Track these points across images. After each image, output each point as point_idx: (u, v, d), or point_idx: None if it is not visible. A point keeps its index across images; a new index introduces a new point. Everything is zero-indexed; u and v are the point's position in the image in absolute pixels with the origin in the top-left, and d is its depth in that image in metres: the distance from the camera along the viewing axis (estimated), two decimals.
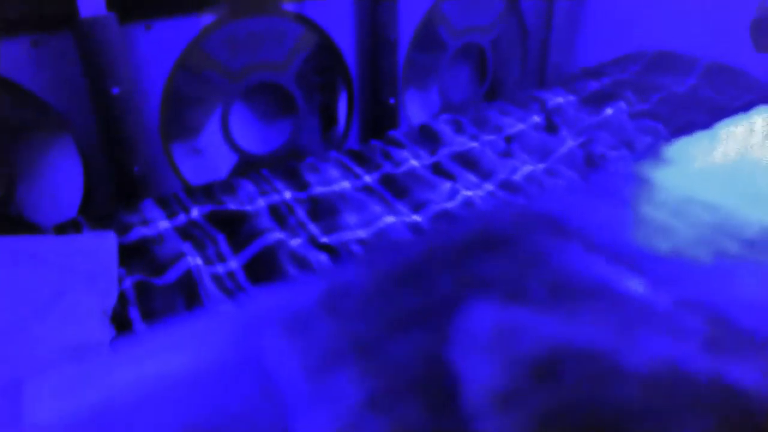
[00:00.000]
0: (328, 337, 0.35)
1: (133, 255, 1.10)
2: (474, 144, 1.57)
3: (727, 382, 0.33)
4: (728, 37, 1.84)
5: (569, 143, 1.49)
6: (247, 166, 1.62)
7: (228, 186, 1.40)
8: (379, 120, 1.76)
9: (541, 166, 1.43)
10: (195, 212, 1.29)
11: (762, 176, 0.72)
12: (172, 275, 1.04)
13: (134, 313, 0.95)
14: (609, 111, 1.61)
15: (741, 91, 1.65)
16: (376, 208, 1.27)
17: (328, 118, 1.76)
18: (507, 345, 0.34)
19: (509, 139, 1.59)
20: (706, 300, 0.40)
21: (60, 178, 1.39)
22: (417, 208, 1.27)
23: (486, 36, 2.01)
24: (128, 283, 1.00)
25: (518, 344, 0.34)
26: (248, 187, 1.39)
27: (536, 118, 1.68)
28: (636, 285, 0.40)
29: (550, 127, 1.62)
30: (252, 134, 1.67)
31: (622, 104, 1.64)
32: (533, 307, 0.37)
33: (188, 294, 0.99)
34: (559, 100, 1.74)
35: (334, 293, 0.39)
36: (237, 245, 1.15)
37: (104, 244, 1.02)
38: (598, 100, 1.71)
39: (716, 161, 0.77)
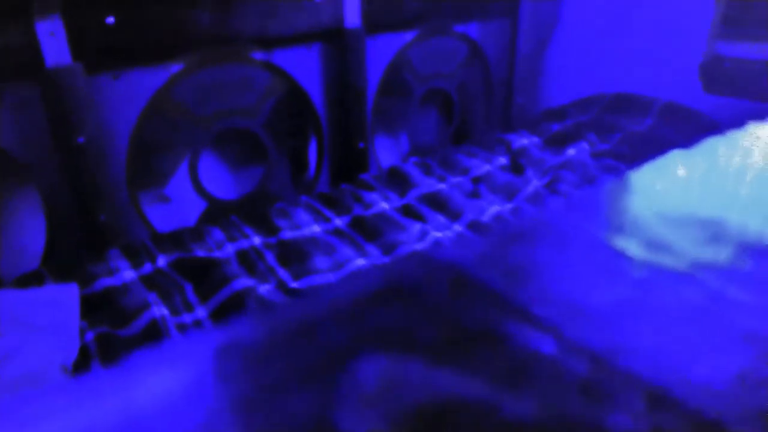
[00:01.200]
0: (211, 398, 0.35)
1: (97, 306, 1.08)
2: (442, 185, 1.59)
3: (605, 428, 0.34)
4: (681, 79, 1.93)
5: (534, 183, 1.52)
6: (217, 212, 1.61)
7: (196, 233, 1.38)
8: (349, 164, 1.78)
9: (508, 206, 1.45)
10: (161, 261, 1.27)
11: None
12: (136, 326, 1.02)
13: (96, 367, 0.92)
14: (572, 151, 1.65)
15: (695, 129, 1.72)
16: (347, 251, 1.27)
17: (299, 162, 1.77)
18: (394, 398, 0.34)
19: (476, 181, 1.61)
20: (592, 344, 0.41)
21: (23, 228, 1.36)
22: (388, 250, 1.27)
23: (451, 81, 2.06)
24: (91, 336, 0.97)
25: (406, 397, 0.34)
26: (217, 233, 1.38)
27: (502, 160, 1.71)
28: (528, 331, 0.41)
29: (516, 168, 1.65)
30: (221, 180, 1.66)
31: (585, 145, 1.69)
32: (426, 358, 0.38)
33: (153, 345, 0.97)
34: (524, 141, 1.78)
35: (222, 352, 0.39)
36: (204, 293, 1.13)
37: (66, 297, 0.99)
38: (561, 141, 1.75)
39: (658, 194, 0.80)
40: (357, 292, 0.45)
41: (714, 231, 0.69)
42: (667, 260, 0.55)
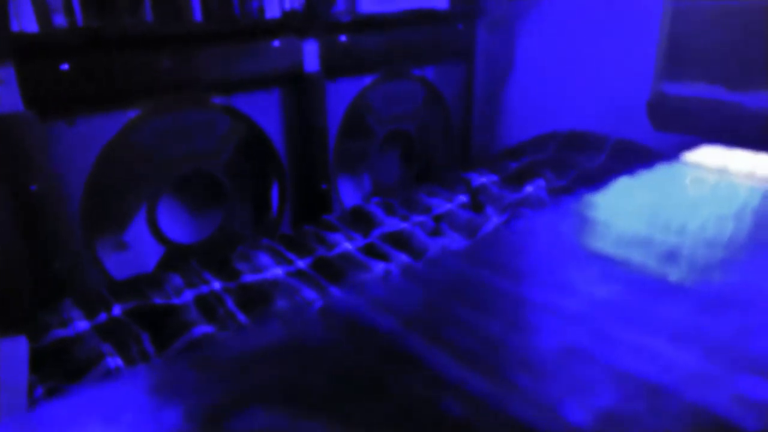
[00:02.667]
0: None
1: (48, 360, 1.03)
2: (405, 224, 1.60)
3: None
4: (632, 116, 2.01)
5: (494, 220, 1.55)
6: (176, 257, 1.58)
7: (154, 279, 1.35)
8: (312, 205, 1.78)
9: (469, 243, 1.46)
10: (117, 309, 1.23)
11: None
12: (90, 379, 0.98)
13: None
14: (529, 188, 1.69)
15: (646, 164, 1.78)
16: (310, 293, 1.26)
17: (260, 205, 1.76)
18: None
19: (438, 219, 1.63)
20: (475, 387, 0.43)
21: None
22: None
23: (412, 123, 2.10)
24: (40, 391, 0.93)
25: None
26: (175, 279, 1.35)
27: (463, 198, 1.73)
28: (412, 376, 0.42)
29: (476, 205, 1.68)
30: (181, 224, 1.64)
31: (541, 181, 1.73)
32: (308, 409, 0.38)
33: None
34: (484, 179, 1.82)
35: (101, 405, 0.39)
36: (162, 342, 1.10)
37: (14, 351, 0.95)
38: (519, 179, 1.79)
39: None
40: (245, 346, 0.45)
41: (611, 268, 0.72)
42: (563, 301, 0.57)
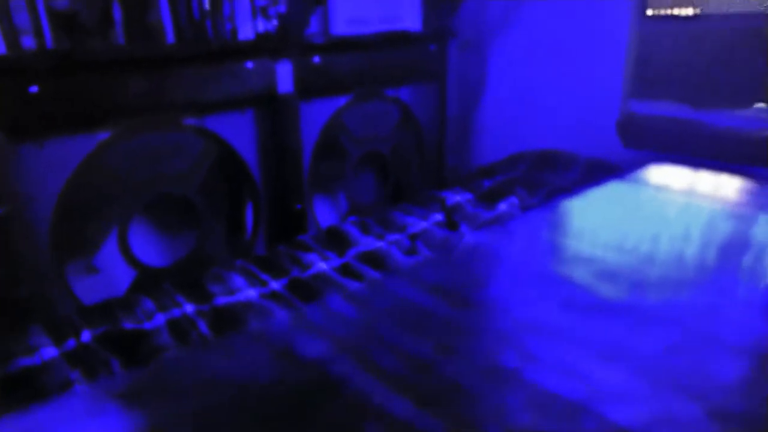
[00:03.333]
0: None
1: (13, 389, 1.00)
2: (381, 243, 1.59)
3: None
4: (602, 135, 2.05)
5: (469, 238, 1.56)
6: (148, 280, 1.56)
7: (125, 303, 1.32)
8: (287, 226, 1.77)
9: None
10: (86, 335, 1.20)
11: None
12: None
13: None
14: (503, 206, 1.70)
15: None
16: (284, 315, 1.24)
17: (234, 226, 1.74)
18: None
19: (414, 237, 1.63)
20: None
21: None
22: None
23: (386, 143, 2.11)
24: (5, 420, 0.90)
25: None
26: (147, 303, 1.32)
27: (438, 216, 1.74)
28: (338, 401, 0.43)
29: (451, 224, 1.69)
30: (153, 247, 1.61)
31: (515, 200, 1.75)
32: None
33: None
34: (458, 198, 1.83)
35: None
36: (132, 368, 1.07)
37: None
38: (492, 197, 1.81)
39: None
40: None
41: (548, 288, 0.73)
42: (496, 323, 0.58)
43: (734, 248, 1.19)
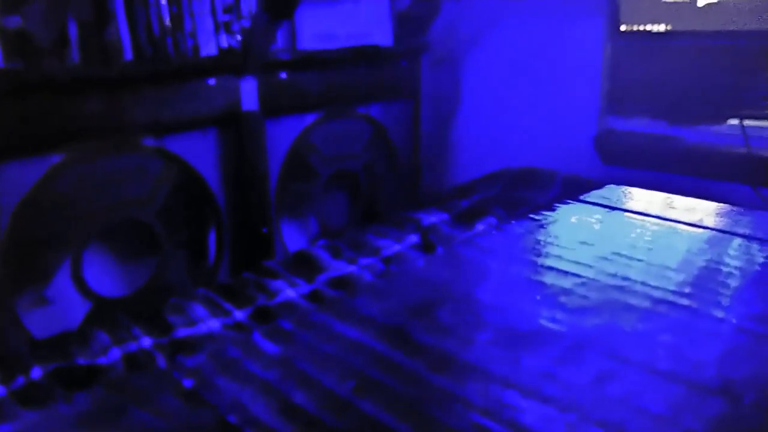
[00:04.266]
0: None
1: None
2: (353, 267, 1.53)
3: None
4: (581, 151, 2.03)
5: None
6: (104, 311, 1.49)
7: (78, 337, 1.24)
8: (252, 251, 1.71)
9: None
10: (36, 372, 1.12)
11: None
12: None
13: None
14: (480, 227, 1.65)
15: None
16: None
17: (197, 252, 1.68)
18: None
19: (387, 261, 1.57)
20: None
21: None
22: None
23: (358, 162, 2.07)
24: None
25: None
26: (102, 336, 1.25)
27: (413, 238, 1.69)
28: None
29: (427, 245, 1.63)
30: (110, 276, 1.55)
31: (492, 219, 1.70)
32: None
33: None
34: (434, 218, 1.78)
35: None
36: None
37: None
38: (469, 217, 1.76)
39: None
40: None
41: (486, 315, 0.72)
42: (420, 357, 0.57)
43: (679, 272, 1.19)
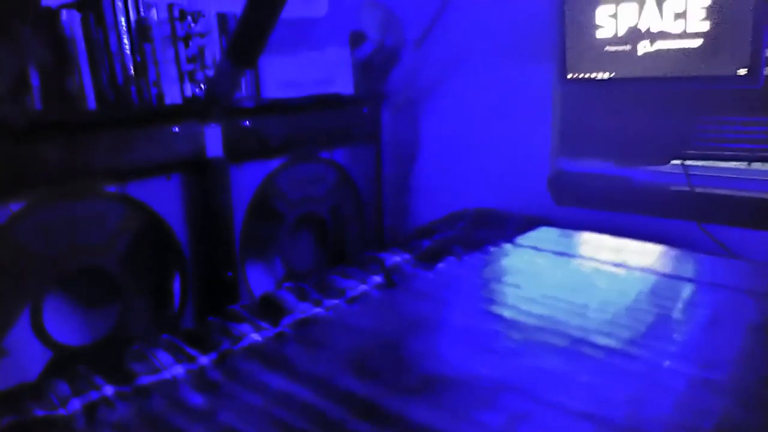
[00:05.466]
0: None
1: None
2: (319, 309, 1.54)
3: None
4: (536, 192, 2.10)
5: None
6: (65, 361, 1.44)
7: (37, 389, 1.21)
8: (217, 295, 1.69)
9: None
10: None
11: None
12: None
13: None
14: (441, 266, 1.69)
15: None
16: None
17: (160, 298, 1.65)
18: None
19: (352, 302, 1.58)
20: None
21: None
22: None
23: (323, 205, 2.09)
24: None
25: None
26: (62, 387, 1.21)
27: (377, 278, 1.71)
28: None
29: (390, 285, 1.65)
30: (71, 325, 1.51)
31: (453, 259, 1.75)
32: None
33: None
34: (397, 259, 1.81)
35: None
36: None
37: None
38: (431, 257, 1.80)
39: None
40: None
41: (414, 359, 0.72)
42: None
43: (600, 312, 1.21)
